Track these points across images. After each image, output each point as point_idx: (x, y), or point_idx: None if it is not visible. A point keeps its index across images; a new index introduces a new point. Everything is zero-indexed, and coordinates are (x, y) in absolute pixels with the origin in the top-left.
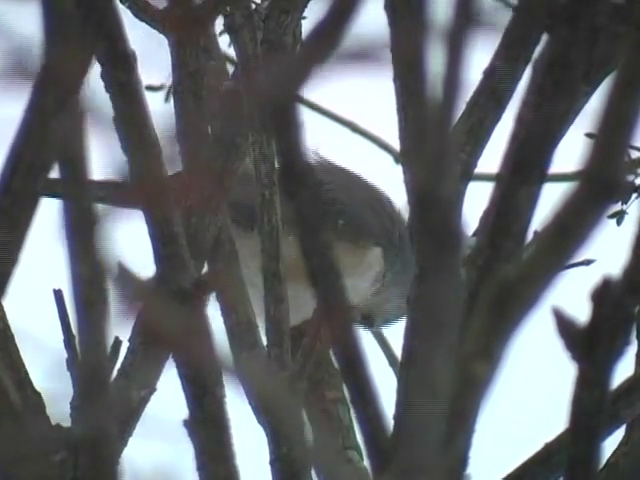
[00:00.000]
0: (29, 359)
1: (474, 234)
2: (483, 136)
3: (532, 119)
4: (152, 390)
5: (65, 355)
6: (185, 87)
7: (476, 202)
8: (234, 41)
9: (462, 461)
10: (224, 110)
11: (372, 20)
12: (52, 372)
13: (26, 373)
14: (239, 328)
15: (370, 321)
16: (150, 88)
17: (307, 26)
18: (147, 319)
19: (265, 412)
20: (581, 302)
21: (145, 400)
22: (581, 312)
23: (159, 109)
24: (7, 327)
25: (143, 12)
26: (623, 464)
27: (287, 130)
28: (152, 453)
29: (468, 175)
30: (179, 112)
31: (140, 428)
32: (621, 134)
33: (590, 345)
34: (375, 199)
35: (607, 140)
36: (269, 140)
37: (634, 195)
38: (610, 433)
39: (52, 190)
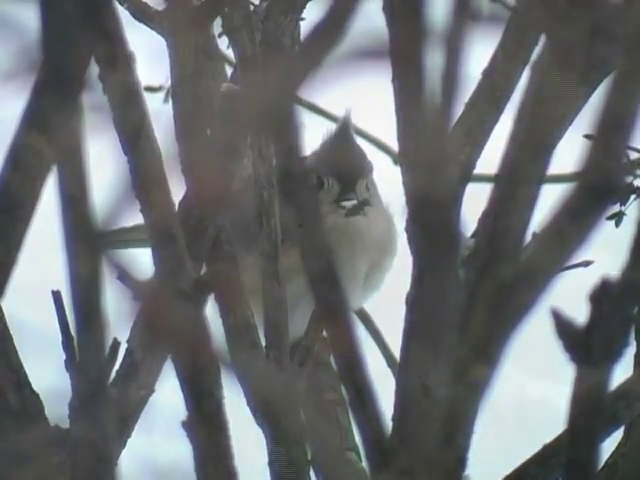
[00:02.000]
0: (28, 360)
1: (472, 235)
2: (482, 137)
3: (531, 120)
4: (151, 391)
5: (64, 356)
6: (184, 88)
7: (475, 203)
8: (233, 42)
9: (461, 462)
10: (223, 111)
11: (371, 21)
12: (51, 373)
13: (24, 374)
14: (238, 329)
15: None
16: (149, 89)
17: (306, 27)
18: (146, 320)
19: (264, 413)
20: (580, 303)
21: (144, 401)
22: (580, 313)
23: (158, 110)
24: (5, 328)
25: (142, 13)
26: (622, 465)
27: (286, 131)
28: (151, 454)
29: (467, 176)
30: (178, 113)
31: (139, 429)
32: (619, 135)
33: (589, 346)
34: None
35: (605, 141)
36: (268, 141)
37: (633, 196)
38: (609, 434)
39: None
